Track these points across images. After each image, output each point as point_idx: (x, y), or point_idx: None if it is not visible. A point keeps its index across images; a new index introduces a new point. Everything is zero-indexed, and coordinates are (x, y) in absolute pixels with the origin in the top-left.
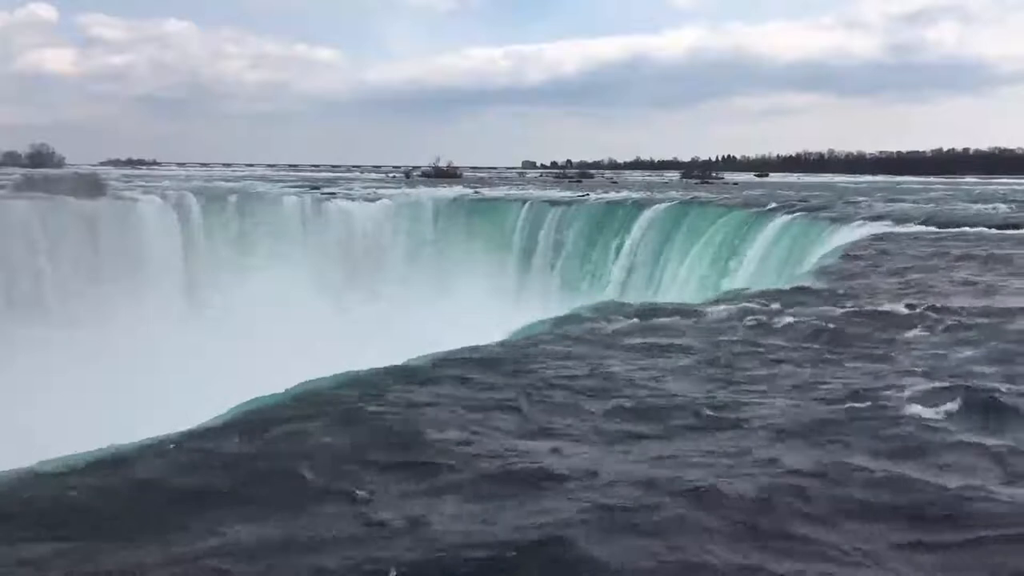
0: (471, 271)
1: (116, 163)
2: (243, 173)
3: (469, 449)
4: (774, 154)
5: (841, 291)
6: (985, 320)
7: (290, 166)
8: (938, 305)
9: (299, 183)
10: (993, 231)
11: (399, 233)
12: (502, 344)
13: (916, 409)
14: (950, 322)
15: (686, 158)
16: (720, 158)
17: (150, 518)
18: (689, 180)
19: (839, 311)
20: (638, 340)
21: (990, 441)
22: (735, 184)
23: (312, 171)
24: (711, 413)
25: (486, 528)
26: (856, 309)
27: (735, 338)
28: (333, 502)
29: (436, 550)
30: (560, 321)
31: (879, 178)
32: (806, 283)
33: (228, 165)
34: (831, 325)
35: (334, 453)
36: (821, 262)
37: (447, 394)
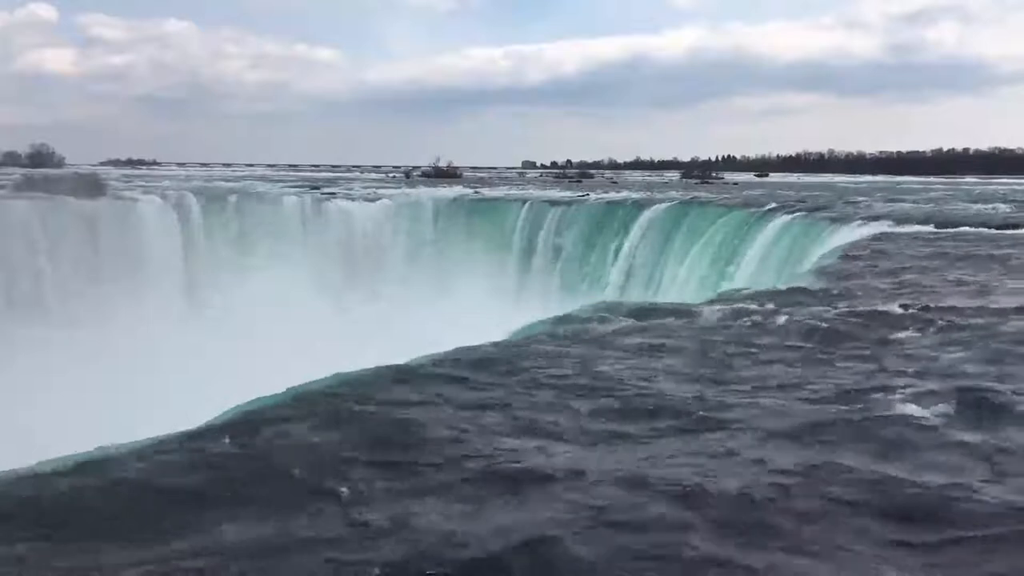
0: (471, 271)
1: (116, 163)
2: (243, 173)
3: (462, 450)
4: (774, 154)
5: (838, 291)
6: (980, 320)
7: (290, 166)
8: (934, 305)
9: (299, 183)
10: (992, 231)
11: (399, 233)
12: (499, 345)
13: (906, 409)
14: (945, 322)
15: (686, 158)
16: (720, 158)
17: (150, 518)
18: (689, 180)
19: (835, 311)
20: (634, 340)
21: (979, 441)
22: (735, 184)
23: (312, 171)
24: (702, 413)
25: (474, 528)
26: (852, 309)
27: (730, 338)
28: (328, 502)
29: (424, 551)
30: (558, 321)
31: (879, 178)
32: (804, 283)
33: (228, 165)
34: (826, 325)
35: (331, 453)
36: (820, 262)
37: (442, 395)
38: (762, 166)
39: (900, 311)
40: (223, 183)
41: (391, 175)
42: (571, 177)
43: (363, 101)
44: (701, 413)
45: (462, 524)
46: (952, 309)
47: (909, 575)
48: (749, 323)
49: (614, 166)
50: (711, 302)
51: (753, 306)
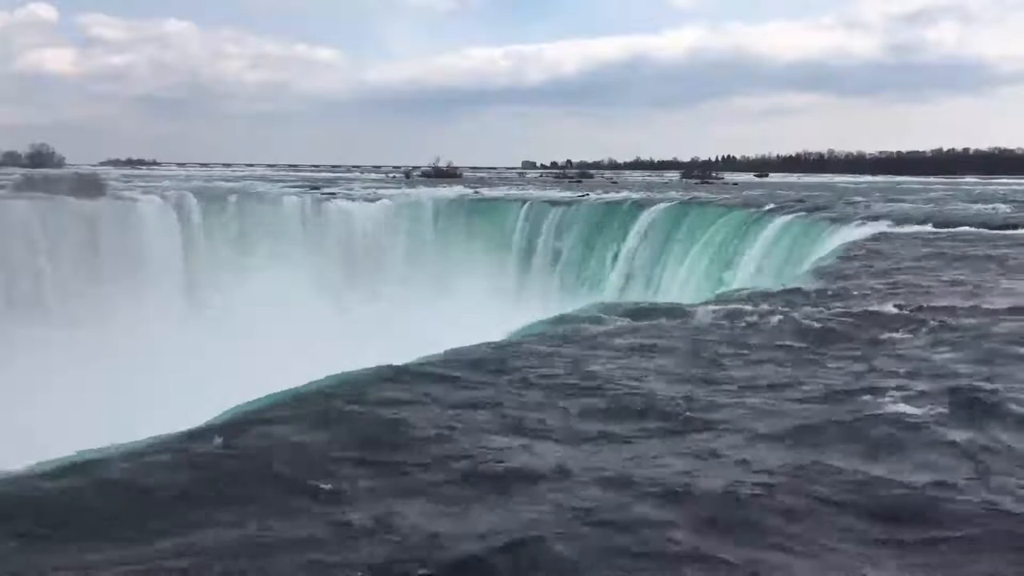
0: (471, 271)
1: (116, 163)
2: (243, 173)
3: (454, 450)
4: (774, 154)
5: (835, 292)
6: (973, 321)
7: (290, 166)
8: (928, 306)
9: (299, 183)
10: (991, 231)
11: (399, 233)
12: (495, 345)
13: (894, 408)
14: (938, 323)
15: (686, 158)
16: (720, 158)
17: (145, 518)
18: (689, 180)
19: (830, 312)
20: (630, 341)
21: (966, 441)
22: (735, 184)
23: (312, 171)
24: (691, 414)
25: (459, 528)
26: (847, 310)
27: (724, 339)
28: (321, 503)
29: (409, 551)
30: (557, 322)
31: (879, 178)
32: (802, 284)
33: (228, 165)
34: (820, 326)
35: (325, 454)
36: (819, 263)
37: (437, 396)
38: (762, 166)
39: (895, 311)
40: (223, 183)
41: (391, 175)
42: (571, 177)
43: (363, 101)
44: (690, 413)
45: (448, 524)
46: (946, 309)
47: (893, 574)
48: (744, 324)
49: (614, 166)
50: (708, 303)
51: (749, 307)
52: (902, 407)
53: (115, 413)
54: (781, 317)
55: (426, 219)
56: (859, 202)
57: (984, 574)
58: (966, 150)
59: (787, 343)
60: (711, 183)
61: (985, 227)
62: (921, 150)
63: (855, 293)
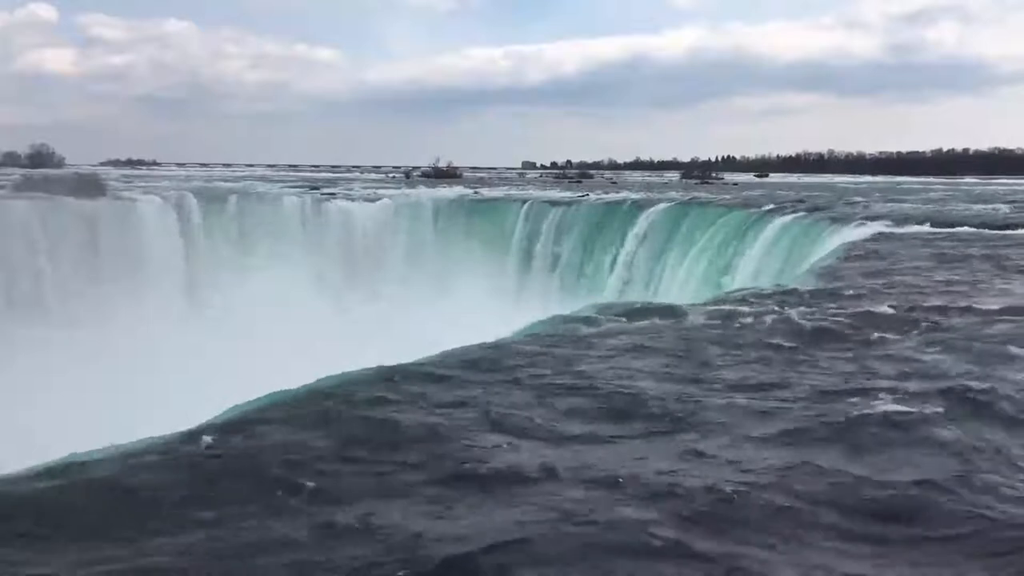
0: (471, 271)
1: (116, 163)
2: (243, 173)
3: (449, 451)
4: (774, 154)
5: (834, 293)
6: (970, 321)
7: (290, 166)
8: (926, 307)
9: (299, 183)
10: (991, 232)
11: (399, 233)
12: (492, 346)
13: (884, 408)
14: (935, 324)
15: (686, 158)
16: (720, 158)
17: (143, 519)
18: (689, 181)
19: (827, 313)
20: (626, 341)
21: (956, 441)
22: (735, 184)
23: (312, 171)
24: (682, 414)
25: (445, 529)
26: (845, 311)
27: (720, 340)
28: (311, 504)
29: (395, 552)
30: (556, 322)
31: (879, 179)
32: (801, 285)
33: (228, 165)
34: (816, 327)
35: (317, 456)
36: (818, 263)
37: (431, 396)
38: (762, 166)
39: (890, 312)
40: (223, 183)
41: (391, 175)
42: (571, 178)
43: (363, 101)
44: (681, 414)
45: (437, 525)
46: (942, 310)
47: (878, 573)
48: (740, 324)
49: (614, 166)
50: (706, 303)
51: (746, 308)
52: (892, 407)
53: (115, 413)
54: (777, 318)
55: (426, 219)
56: (859, 202)
57: (969, 574)
58: (966, 150)
59: (782, 344)
60: (711, 183)
61: (985, 227)
62: (921, 150)
63: (853, 294)
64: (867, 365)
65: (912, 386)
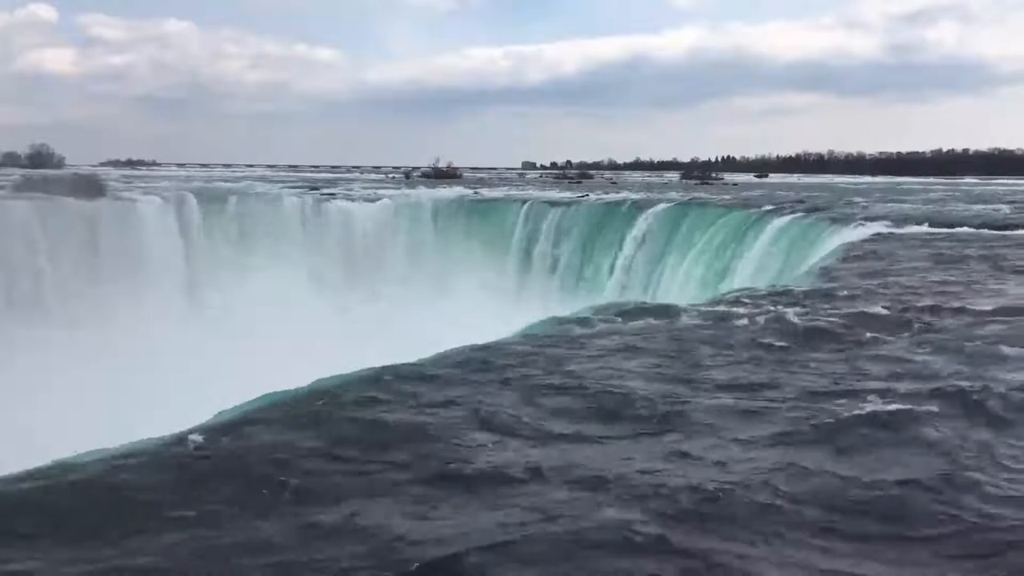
0: (471, 271)
1: (116, 163)
2: (243, 174)
3: (441, 452)
4: (774, 154)
5: (831, 293)
6: (964, 322)
7: (290, 167)
8: (922, 308)
9: (299, 183)
10: (991, 232)
11: (399, 233)
12: (490, 347)
13: (874, 409)
14: (930, 324)
15: (686, 158)
16: (720, 159)
17: (138, 519)
18: (689, 181)
19: (823, 313)
20: (625, 342)
21: (943, 441)
22: (735, 185)
23: (312, 172)
24: (672, 414)
25: (429, 530)
26: (841, 312)
27: (719, 341)
28: (300, 505)
29: (380, 552)
30: (555, 323)
31: (879, 179)
32: (799, 285)
33: (228, 166)
34: (812, 327)
35: (312, 457)
36: (817, 264)
37: (424, 398)
38: (762, 167)
39: (886, 313)
40: (223, 184)
41: (391, 175)
42: (571, 178)
43: (363, 101)
44: (670, 414)
45: (420, 525)
46: (936, 310)
47: (860, 571)
48: (736, 325)
49: (614, 167)
50: (703, 304)
51: (744, 309)
52: (881, 407)
53: (115, 413)
54: (771, 319)
55: (426, 219)
56: (859, 203)
57: (951, 573)
58: (966, 151)
59: (775, 344)
60: (711, 184)
61: (984, 228)
62: (921, 151)
63: (848, 294)
64: (858, 366)
65: (902, 386)
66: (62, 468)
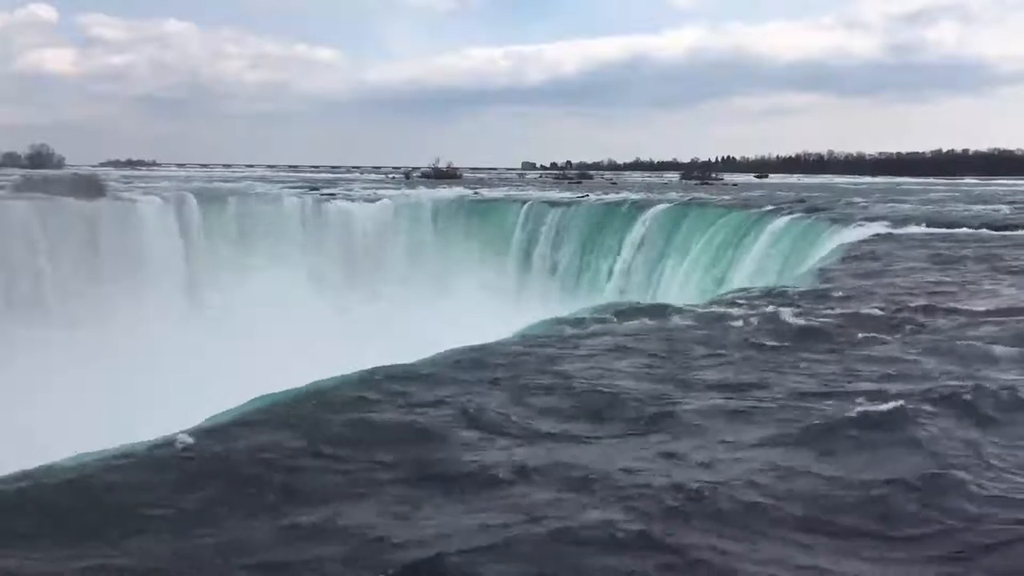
0: (471, 271)
1: (116, 164)
2: (243, 174)
3: (433, 453)
4: (774, 155)
5: (827, 294)
6: (959, 322)
7: (290, 167)
8: (917, 307)
9: (299, 184)
10: (990, 232)
11: (399, 233)
12: (487, 348)
13: (864, 410)
14: (924, 325)
15: (686, 159)
16: (720, 159)
17: (145, 519)
18: (688, 181)
19: (820, 314)
20: (621, 343)
21: (933, 442)
22: (734, 185)
23: (312, 172)
24: (661, 415)
25: (417, 530)
26: (838, 312)
27: (717, 341)
28: (294, 504)
29: (366, 553)
30: (554, 324)
31: (879, 179)
32: (797, 286)
33: (228, 166)
34: (807, 328)
35: (300, 459)
36: (816, 264)
37: (417, 399)
38: (762, 167)
39: (882, 313)
40: (223, 184)
41: (390, 176)
42: (571, 178)
43: (363, 101)
44: (662, 415)
45: (406, 526)
46: (932, 311)
47: (842, 570)
48: (732, 326)
49: (614, 167)
50: (701, 304)
51: (740, 309)
52: (871, 408)
53: (115, 413)
54: (767, 319)
55: (426, 219)
56: (858, 203)
57: (934, 572)
58: (966, 151)
59: (769, 345)
60: (710, 184)
61: (983, 228)
62: (921, 151)
63: (847, 295)
64: (850, 366)
65: (892, 387)
66: (60, 469)
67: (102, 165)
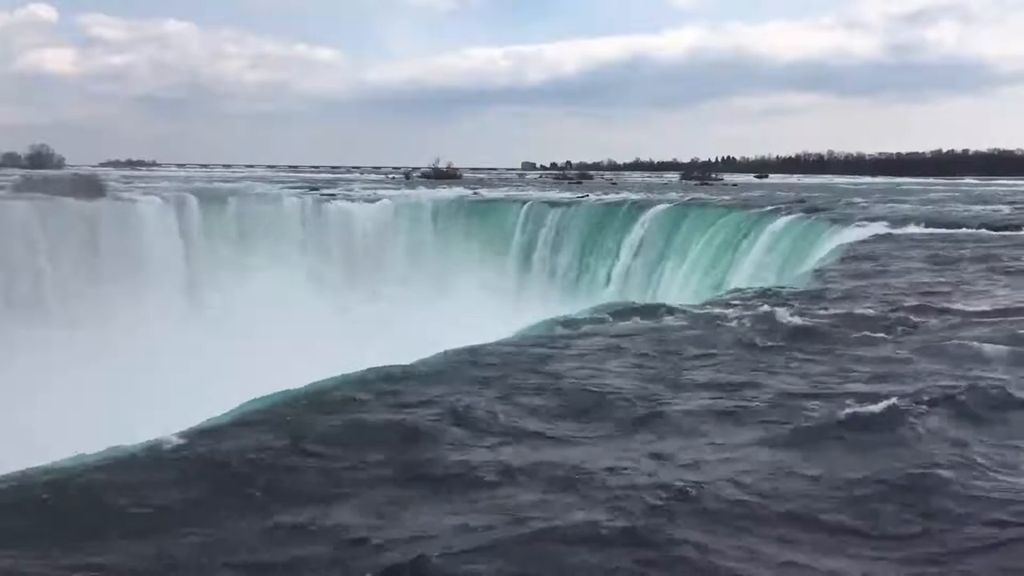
0: (471, 271)
1: (116, 164)
2: (243, 174)
3: (423, 454)
4: (774, 155)
5: (823, 294)
6: (951, 322)
7: (290, 167)
8: (913, 308)
9: (299, 184)
10: (990, 232)
11: (399, 233)
12: (484, 348)
13: (854, 410)
14: (918, 325)
15: (686, 159)
16: (720, 159)
17: (147, 519)
18: (688, 181)
19: (812, 314)
20: (617, 343)
21: (921, 441)
22: (734, 185)
23: (312, 172)
24: (651, 415)
25: (403, 530)
26: (830, 312)
27: (709, 341)
28: (288, 506)
29: (349, 553)
30: (553, 324)
31: (878, 179)
32: (794, 286)
33: (228, 166)
34: (799, 328)
35: (295, 460)
36: (816, 265)
37: (411, 399)
38: (762, 167)
39: (875, 314)
40: (223, 184)
41: (390, 176)
42: (571, 179)
43: (363, 101)
44: (658, 415)
45: (391, 525)
46: (927, 311)
47: (824, 567)
48: (729, 326)
49: (613, 167)
50: (699, 305)
51: (737, 310)
52: (860, 408)
53: (115, 413)
54: (762, 320)
55: (426, 220)
56: (858, 203)
57: (920, 570)
58: (966, 151)
59: (763, 345)
60: (710, 184)
61: (983, 228)
62: (921, 151)
63: (844, 296)
64: (842, 367)
65: (882, 387)
66: (60, 469)
67: (102, 165)
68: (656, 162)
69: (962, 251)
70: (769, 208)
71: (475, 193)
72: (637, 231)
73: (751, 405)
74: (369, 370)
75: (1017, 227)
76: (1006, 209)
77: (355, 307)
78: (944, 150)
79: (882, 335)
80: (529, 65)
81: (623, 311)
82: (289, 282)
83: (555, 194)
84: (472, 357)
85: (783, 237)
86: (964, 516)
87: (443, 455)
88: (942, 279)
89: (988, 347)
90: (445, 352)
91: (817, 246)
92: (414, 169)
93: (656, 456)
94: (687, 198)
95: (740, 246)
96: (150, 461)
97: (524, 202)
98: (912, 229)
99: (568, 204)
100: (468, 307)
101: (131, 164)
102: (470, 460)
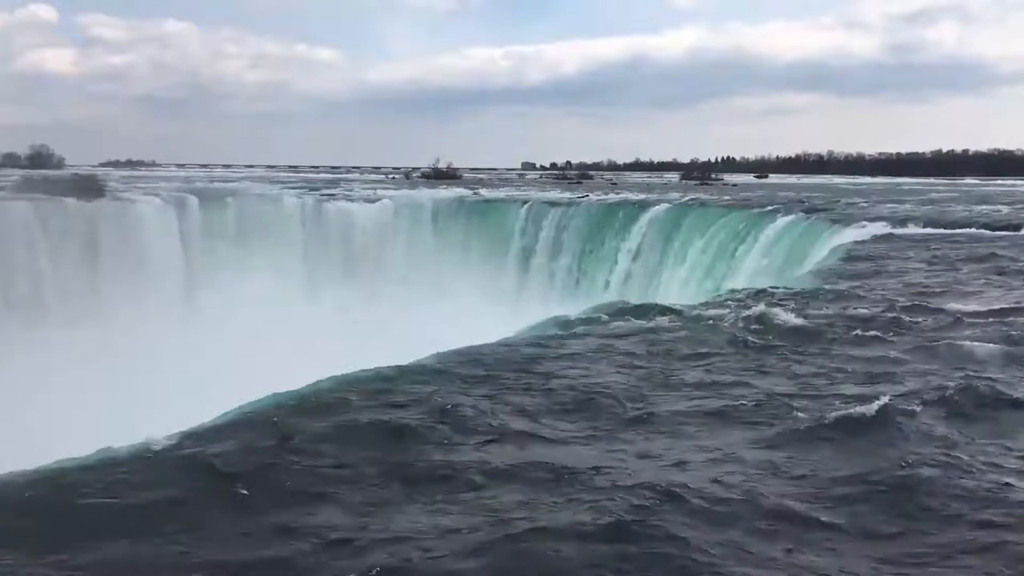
0: (471, 272)
1: (115, 164)
2: (243, 174)
3: (416, 455)
4: (774, 155)
5: (823, 295)
6: (946, 322)
7: (290, 167)
8: (909, 307)
9: (299, 184)
10: (990, 232)
11: (399, 233)
12: (482, 349)
13: (847, 410)
14: (914, 325)
15: (686, 159)
16: (720, 159)
17: (147, 519)
18: (688, 182)
19: (808, 314)
20: (615, 343)
21: (912, 440)
22: (734, 186)
23: (312, 172)
24: (642, 414)
25: (386, 533)
26: (827, 312)
27: (707, 342)
28: (283, 507)
29: (334, 553)
30: (552, 325)
31: (878, 179)
32: (793, 286)
33: (228, 166)
34: (795, 328)
35: (288, 462)
36: (816, 265)
37: (405, 400)
38: (762, 167)
39: (871, 313)
40: (223, 184)
41: (390, 176)
42: (571, 179)
43: (363, 101)
44: (646, 415)
45: (379, 525)
46: (922, 311)
47: (817, 566)
48: (726, 327)
49: (613, 167)
50: (698, 305)
51: (735, 311)
52: (852, 408)
53: (115, 413)
54: (759, 320)
55: (425, 220)
56: (858, 204)
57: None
58: (966, 151)
59: (763, 345)
60: (710, 184)
61: (983, 228)
62: (921, 151)
63: (841, 296)
64: (835, 366)
65: (874, 387)
66: (59, 469)
67: (102, 165)
68: (656, 162)
69: (960, 251)
70: (769, 208)
71: (475, 193)
72: (637, 232)
73: (740, 405)
74: (362, 371)
75: (1017, 227)
76: (1006, 209)
77: (355, 307)
78: (944, 150)
79: (875, 335)
80: (529, 65)
81: (619, 311)
82: (289, 282)
83: (555, 194)
84: (465, 357)
85: (783, 238)
86: (950, 515)
87: (431, 455)
88: (939, 279)
89: (979, 347)
90: (438, 353)
91: (817, 246)
92: (414, 169)
93: (642, 456)
94: (687, 198)
95: (740, 247)
96: (139, 463)
97: (524, 202)
98: (912, 229)
99: (568, 204)
100: (468, 307)
101: (131, 164)
102: (457, 460)
